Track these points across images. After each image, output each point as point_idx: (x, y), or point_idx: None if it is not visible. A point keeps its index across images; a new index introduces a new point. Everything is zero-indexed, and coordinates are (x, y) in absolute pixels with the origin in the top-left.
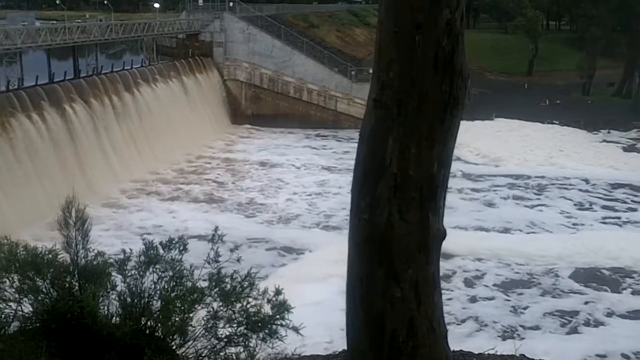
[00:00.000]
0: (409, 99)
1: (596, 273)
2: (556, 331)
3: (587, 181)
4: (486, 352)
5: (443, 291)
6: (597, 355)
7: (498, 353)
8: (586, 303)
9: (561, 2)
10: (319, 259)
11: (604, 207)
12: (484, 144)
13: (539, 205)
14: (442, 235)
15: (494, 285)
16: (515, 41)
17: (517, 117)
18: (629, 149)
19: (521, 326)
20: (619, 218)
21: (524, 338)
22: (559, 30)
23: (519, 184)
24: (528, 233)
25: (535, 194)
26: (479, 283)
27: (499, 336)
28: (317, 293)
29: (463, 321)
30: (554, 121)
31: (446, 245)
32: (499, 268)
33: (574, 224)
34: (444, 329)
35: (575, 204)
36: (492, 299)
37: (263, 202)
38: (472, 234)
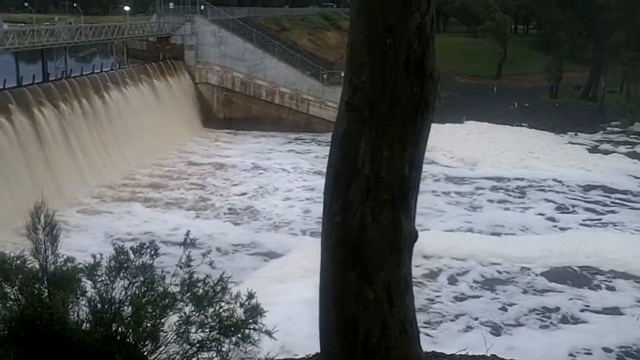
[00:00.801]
0: (381, 101)
1: (575, 272)
2: (536, 327)
3: (561, 183)
4: (458, 353)
5: (429, 289)
6: (578, 351)
7: (470, 353)
8: (569, 300)
9: (529, 6)
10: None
11: (585, 209)
12: (456, 147)
13: (521, 207)
14: (414, 236)
15: (476, 282)
16: (484, 45)
17: (486, 119)
18: (596, 150)
19: (503, 323)
20: (599, 220)
21: (500, 335)
22: (526, 34)
23: (500, 186)
24: (511, 235)
25: (517, 197)
26: (461, 281)
27: (476, 332)
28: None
29: (446, 317)
30: (523, 124)
31: (434, 246)
32: (483, 267)
33: (555, 226)
34: (416, 330)
35: (555, 206)
36: (475, 297)
37: (234, 205)
38: (459, 235)
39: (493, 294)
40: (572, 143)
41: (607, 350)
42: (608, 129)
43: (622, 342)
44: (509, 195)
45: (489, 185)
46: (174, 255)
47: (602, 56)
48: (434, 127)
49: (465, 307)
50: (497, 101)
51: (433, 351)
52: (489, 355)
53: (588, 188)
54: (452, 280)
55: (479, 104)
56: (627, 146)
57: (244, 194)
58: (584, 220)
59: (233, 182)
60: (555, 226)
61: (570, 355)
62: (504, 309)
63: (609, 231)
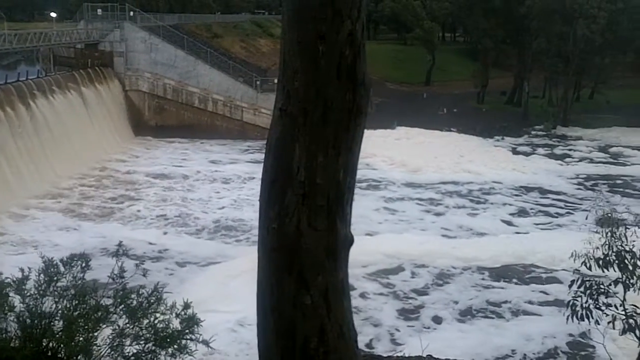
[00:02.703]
0: (314, 108)
1: (522, 270)
2: (482, 323)
3: (503, 185)
4: (395, 354)
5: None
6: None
7: (406, 354)
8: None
9: (455, 15)
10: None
11: (538, 211)
12: (394, 153)
13: (475, 211)
14: (350, 241)
15: (432, 282)
16: (413, 52)
17: (417, 125)
18: (523, 153)
19: (451, 317)
20: (551, 222)
21: (436, 328)
22: (454, 42)
23: (449, 190)
24: (467, 237)
25: (470, 200)
26: (422, 280)
27: (425, 329)
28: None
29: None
30: (452, 129)
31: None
32: (438, 267)
33: (510, 227)
34: (354, 334)
35: (506, 208)
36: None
37: (159, 213)
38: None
39: (441, 290)
40: (501, 147)
41: (539, 343)
42: (532, 132)
43: (552, 334)
44: (463, 199)
45: (440, 190)
46: (105, 266)
47: (525, 63)
48: (367, 133)
49: (413, 302)
50: (427, 107)
51: (371, 354)
52: (424, 355)
53: (527, 189)
54: (413, 281)
55: (410, 110)
56: (546, 148)
57: (176, 202)
58: (536, 224)
59: (164, 190)
60: (511, 228)
61: (500, 353)
62: (452, 303)
63: (560, 231)
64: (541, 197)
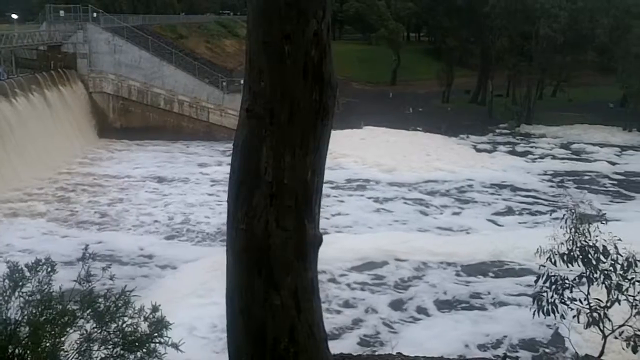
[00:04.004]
0: (281, 108)
1: (502, 266)
2: (466, 315)
3: (480, 183)
4: (365, 353)
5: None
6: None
7: (376, 353)
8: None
9: (419, 15)
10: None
11: (515, 209)
12: (366, 153)
13: (462, 209)
14: (319, 241)
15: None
16: (379, 52)
17: (384, 125)
18: (488, 151)
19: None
20: (528, 220)
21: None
22: (419, 41)
23: (427, 189)
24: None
25: (456, 199)
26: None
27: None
28: None
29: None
30: (418, 128)
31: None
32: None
33: (494, 224)
34: (323, 333)
35: (487, 206)
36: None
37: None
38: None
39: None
40: (467, 145)
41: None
42: (497, 131)
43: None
44: (445, 197)
45: (423, 189)
46: (70, 271)
47: (489, 62)
48: (334, 133)
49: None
50: (393, 106)
51: (341, 353)
52: (394, 353)
53: (500, 187)
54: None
55: (376, 110)
56: (512, 146)
57: (143, 205)
58: (519, 223)
59: (129, 193)
60: (495, 225)
61: (467, 346)
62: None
63: (539, 228)
64: (515, 195)
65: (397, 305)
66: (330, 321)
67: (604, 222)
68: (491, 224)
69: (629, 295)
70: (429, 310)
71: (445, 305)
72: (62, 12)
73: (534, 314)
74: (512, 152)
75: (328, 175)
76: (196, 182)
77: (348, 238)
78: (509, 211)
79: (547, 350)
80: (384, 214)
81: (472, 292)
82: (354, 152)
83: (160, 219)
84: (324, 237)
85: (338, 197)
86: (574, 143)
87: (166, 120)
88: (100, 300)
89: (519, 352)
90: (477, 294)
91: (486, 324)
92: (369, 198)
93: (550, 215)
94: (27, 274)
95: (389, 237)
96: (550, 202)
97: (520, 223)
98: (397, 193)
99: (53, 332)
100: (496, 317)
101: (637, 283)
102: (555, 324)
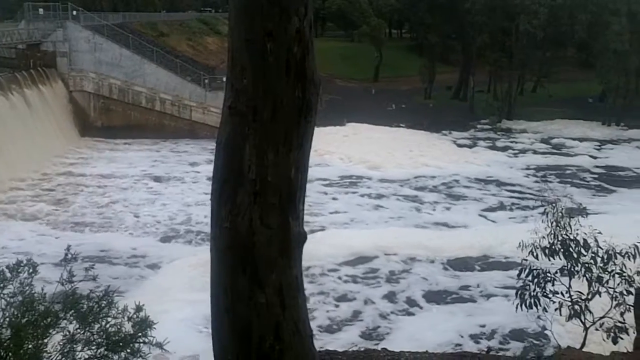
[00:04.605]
0: (264, 105)
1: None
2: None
3: (467, 178)
4: (350, 349)
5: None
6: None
7: (361, 349)
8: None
9: (401, 11)
10: None
11: (505, 204)
12: (351, 150)
13: (453, 204)
14: (303, 238)
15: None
16: (361, 49)
17: (367, 121)
18: (469, 146)
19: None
20: (517, 215)
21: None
22: (401, 38)
23: (417, 185)
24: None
25: (446, 194)
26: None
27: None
28: None
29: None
30: (401, 124)
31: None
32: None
33: (485, 220)
34: (309, 330)
35: (478, 202)
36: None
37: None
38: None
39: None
40: (449, 141)
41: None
42: (478, 126)
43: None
44: (435, 193)
45: (413, 185)
46: (54, 272)
47: (470, 58)
48: (317, 130)
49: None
50: (376, 103)
51: (326, 349)
52: (379, 349)
53: (485, 182)
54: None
55: (359, 106)
56: (493, 141)
57: (126, 205)
58: (510, 218)
59: (113, 193)
60: (486, 220)
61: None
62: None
63: (529, 222)
64: (502, 190)
65: (390, 297)
66: (329, 315)
67: (584, 215)
68: (483, 219)
69: (609, 288)
70: (419, 302)
71: (438, 297)
72: (41, 10)
73: (516, 308)
74: (494, 147)
75: (319, 172)
76: (182, 182)
77: (344, 234)
78: (499, 206)
79: (529, 343)
80: (380, 211)
81: (462, 285)
82: (339, 149)
83: (149, 221)
84: (322, 233)
85: (332, 195)
86: (555, 138)
87: (148, 119)
88: (83, 301)
89: (510, 343)
90: (466, 286)
91: (481, 315)
92: (363, 195)
93: (534, 209)
94: (8, 275)
95: (389, 234)
96: (538, 197)
97: (510, 218)
98: (389, 190)
99: (35, 334)
100: (489, 308)
101: (617, 275)
102: (545, 315)
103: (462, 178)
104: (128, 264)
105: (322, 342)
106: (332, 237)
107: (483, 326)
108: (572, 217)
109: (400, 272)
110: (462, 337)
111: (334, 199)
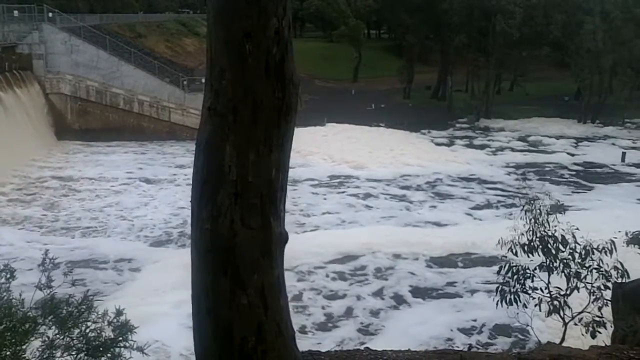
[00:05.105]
0: (244, 106)
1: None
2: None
3: (449, 177)
4: (333, 350)
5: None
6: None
7: (344, 348)
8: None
9: (379, 12)
10: None
11: (490, 202)
12: (330, 150)
13: (441, 202)
14: (285, 239)
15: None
16: (340, 50)
17: (346, 121)
18: (447, 144)
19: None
20: (502, 213)
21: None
22: (379, 38)
23: (403, 184)
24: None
25: (434, 193)
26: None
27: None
28: None
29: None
30: (381, 124)
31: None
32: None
33: (471, 217)
34: (291, 331)
35: (464, 200)
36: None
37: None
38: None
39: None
40: (428, 140)
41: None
42: (457, 125)
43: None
44: (421, 192)
45: (400, 184)
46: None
47: (448, 58)
48: (297, 130)
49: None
50: (356, 103)
51: (309, 350)
52: (362, 348)
53: (467, 180)
54: (381, 269)
55: (339, 107)
56: (473, 140)
57: (102, 209)
58: (496, 216)
59: (88, 196)
60: (473, 218)
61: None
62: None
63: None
64: (484, 188)
65: (379, 293)
66: (325, 311)
67: (562, 212)
68: (470, 217)
69: (587, 283)
70: (406, 298)
71: (427, 293)
72: (16, 12)
73: (497, 304)
74: (472, 146)
75: (307, 173)
76: (169, 181)
77: (337, 234)
78: (486, 204)
79: (515, 337)
80: (372, 211)
81: (448, 281)
82: (320, 149)
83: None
84: (317, 232)
85: (322, 195)
86: (532, 135)
87: (126, 121)
88: (62, 305)
89: (498, 337)
90: (453, 283)
91: (470, 310)
92: (352, 195)
93: (520, 207)
94: None
95: (384, 232)
96: (521, 195)
97: (497, 216)
98: (377, 190)
99: (14, 341)
100: (477, 303)
101: (594, 271)
102: (525, 311)
103: (445, 177)
104: (115, 268)
105: (316, 339)
106: (324, 236)
107: (475, 320)
108: (550, 214)
109: (386, 269)
110: (452, 330)
111: (324, 199)
